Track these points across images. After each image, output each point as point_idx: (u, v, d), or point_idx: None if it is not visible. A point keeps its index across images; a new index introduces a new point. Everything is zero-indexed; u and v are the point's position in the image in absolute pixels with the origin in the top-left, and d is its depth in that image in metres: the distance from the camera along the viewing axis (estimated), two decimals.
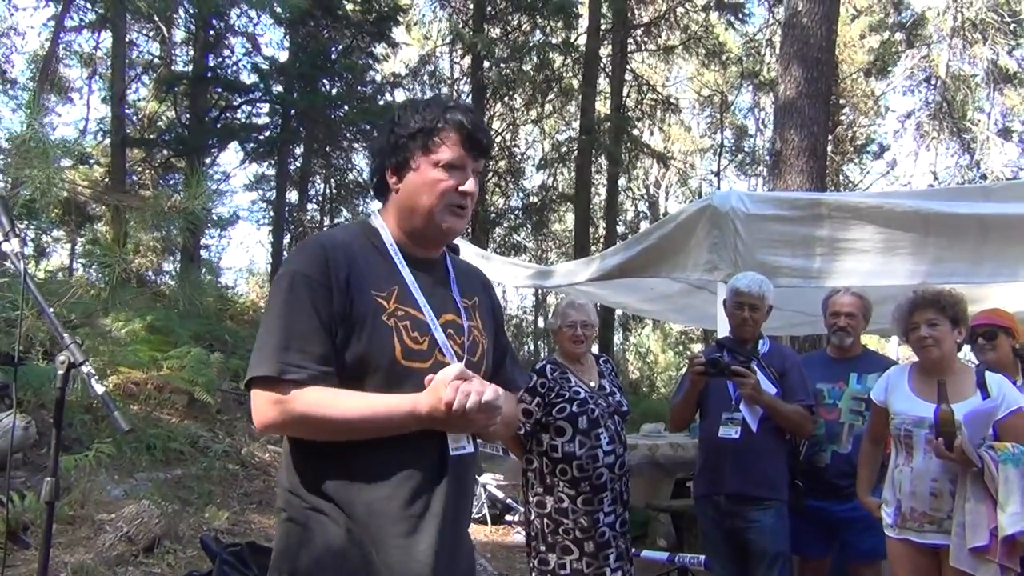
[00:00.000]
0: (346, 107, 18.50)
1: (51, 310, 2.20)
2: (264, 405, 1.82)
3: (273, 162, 19.45)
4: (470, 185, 1.98)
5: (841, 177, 22.91)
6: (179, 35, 19.61)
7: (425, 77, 22.14)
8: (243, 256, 36.12)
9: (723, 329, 4.54)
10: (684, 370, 4.46)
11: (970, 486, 3.10)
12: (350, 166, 21.58)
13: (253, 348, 1.88)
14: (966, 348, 3.88)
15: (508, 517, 8.36)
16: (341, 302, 1.85)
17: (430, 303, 1.97)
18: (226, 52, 18.69)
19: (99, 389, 2.12)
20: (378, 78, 20.36)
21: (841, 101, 21.78)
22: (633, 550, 4.32)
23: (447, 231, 2.00)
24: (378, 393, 1.85)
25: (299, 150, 19.93)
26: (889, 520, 3.37)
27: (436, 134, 1.96)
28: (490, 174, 20.25)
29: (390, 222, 2.03)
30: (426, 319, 1.94)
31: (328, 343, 1.83)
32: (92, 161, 17.61)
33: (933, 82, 22.01)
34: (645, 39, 20.94)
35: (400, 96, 21.51)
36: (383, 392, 1.85)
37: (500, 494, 8.37)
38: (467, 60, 20.44)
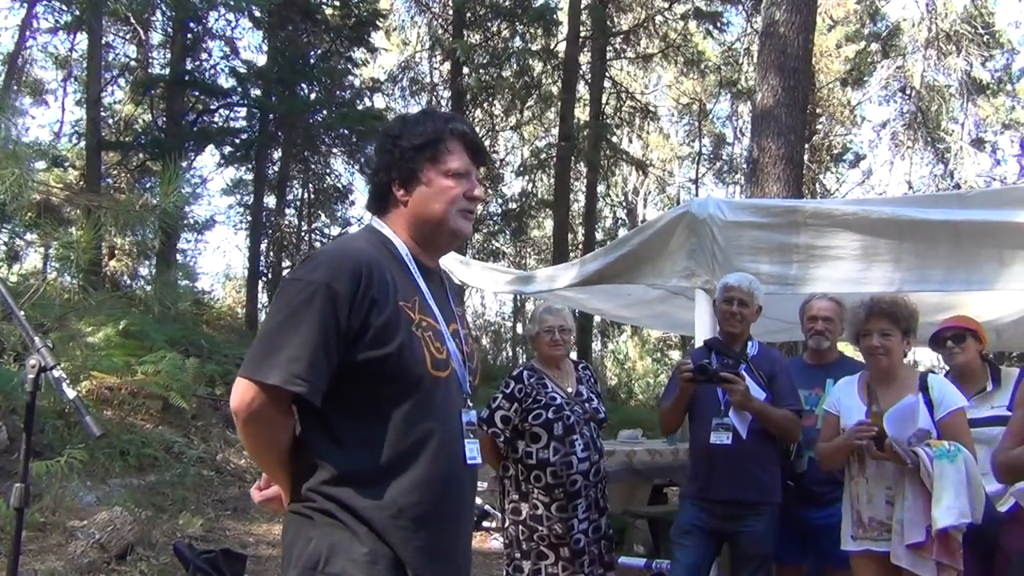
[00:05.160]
0: (325, 112, 18.42)
1: (21, 313, 2.17)
2: (246, 396, 1.86)
3: (251, 166, 19.30)
4: (479, 190, 2.14)
5: (817, 186, 23.08)
6: (156, 38, 19.47)
7: (404, 83, 22.11)
8: (220, 261, 35.89)
9: (700, 335, 4.55)
10: (672, 373, 4.44)
11: (908, 485, 3.18)
12: (328, 171, 21.50)
13: (256, 342, 1.91)
14: (933, 355, 3.92)
15: (486, 523, 8.33)
16: (363, 319, 1.88)
17: (441, 313, 2.05)
18: (204, 55, 18.59)
19: (70, 393, 2.10)
20: (357, 83, 20.29)
21: (818, 110, 21.96)
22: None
23: (457, 233, 2.11)
24: (395, 412, 1.92)
25: (277, 154, 19.80)
26: (849, 532, 3.41)
27: (443, 144, 2.07)
28: None
29: (400, 233, 2.08)
30: (441, 329, 2.03)
31: (334, 362, 1.87)
32: (67, 164, 17.44)
33: (908, 92, 22.26)
34: (624, 47, 21.02)
35: (379, 101, 21.47)
36: (416, 401, 1.93)
37: (478, 500, 8.32)
38: (447, 66, 20.41)
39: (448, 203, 2.06)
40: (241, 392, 1.86)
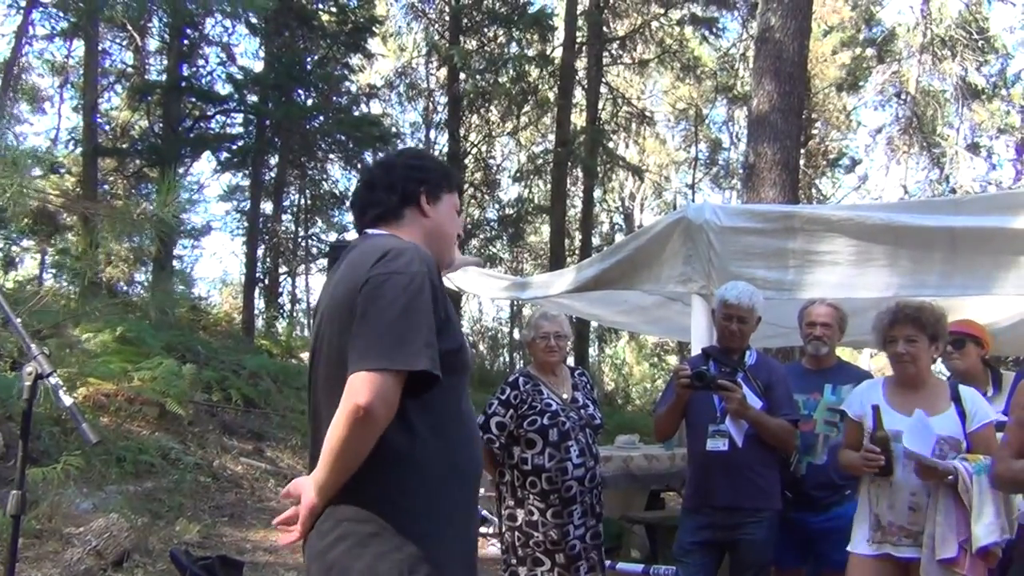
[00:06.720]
0: (321, 118, 18.43)
1: (18, 320, 2.17)
2: (381, 389, 1.85)
3: (247, 172, 19.30)
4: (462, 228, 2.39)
5: (813, 191, 23.11)
6: (153, 44, 19.47)
7: (401, 88, 22.13)
8: (216, 267, 35.79)
9: (697, 341, 4.54)
10: (669, 379, 4.41)
11: (941, 498, 3.11)
12: (325, 177, 21.50)
13: (375, 336, 1.90)
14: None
15: (483, 529, 8.31)
16: (446, 311, 2.02)
17: None
18: (200, 62, 18.57)
19: (66, 401, 2.10)
20: (354, 89, 20.31)
21: (813, 115, 22.00)
22: (608, 562, 4.30)
23: (451, 262, 2.33)
24: (454, 401, 2.08)
25: (274, 160, 19.79)
26: (865, 535, 3.34)
27: (456, 182, 2.32)
28: (466, 186, 20.26)
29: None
30: None
31: None
32: (63, 170, 17.42)
33: (903, 97, 22.32)
34: (620, 52, 21.07)
35: (376, 107, 21.49)
36: (465, 391, 2.13)
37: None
38: (443, 72, 20.45)
39: (455, 231, 2.28)
40: (376, 386, 1.84)
